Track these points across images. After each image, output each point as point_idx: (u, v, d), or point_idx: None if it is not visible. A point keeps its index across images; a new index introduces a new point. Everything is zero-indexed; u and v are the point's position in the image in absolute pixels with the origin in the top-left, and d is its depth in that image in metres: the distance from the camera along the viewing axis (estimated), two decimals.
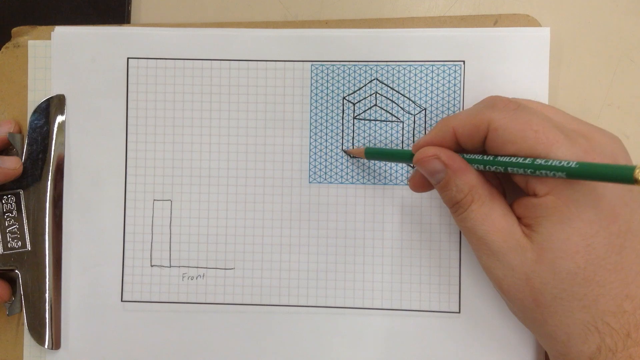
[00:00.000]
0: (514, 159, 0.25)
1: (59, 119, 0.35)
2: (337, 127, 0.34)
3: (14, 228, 0.34)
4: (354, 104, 0.34)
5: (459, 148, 0.28)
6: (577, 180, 0.24)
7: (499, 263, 0.26)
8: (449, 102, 0.33)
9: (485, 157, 0.27)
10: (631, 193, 0.25)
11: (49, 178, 0.35)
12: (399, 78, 0.34)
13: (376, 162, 0.34)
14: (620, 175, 0.21)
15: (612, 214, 0.25)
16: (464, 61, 0.33)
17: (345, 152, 0.34)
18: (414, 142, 0.34)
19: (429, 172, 0.28)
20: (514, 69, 0.33)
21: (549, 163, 0.24)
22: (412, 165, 0.33)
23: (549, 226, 0.25)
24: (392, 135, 0.34)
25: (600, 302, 0.24)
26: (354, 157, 0.34)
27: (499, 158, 0.26)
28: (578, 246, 0.24)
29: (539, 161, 0.24)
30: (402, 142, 0.34)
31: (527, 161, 0.25)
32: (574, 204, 0.25)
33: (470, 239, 0.28)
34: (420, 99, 0.34)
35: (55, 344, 0.34)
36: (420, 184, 0.30)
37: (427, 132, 0.34)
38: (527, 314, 0.26)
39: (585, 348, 0.25)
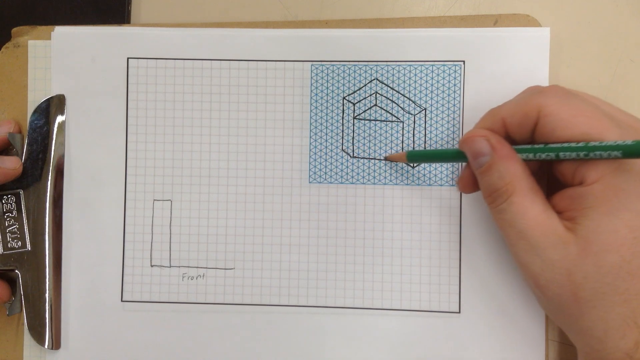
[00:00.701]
0: (565, 144, 0.25)
1: (59, 119, 0.35)
2: (337, 127, 0.34)
3: (14, 228, 0.34)
4: (354, 104, 0.34)
5: (508, 139, 0.28)
6: (632, 161, 0.24)
7: (537, 258, 0.25)
8: (449, 102, 0.33)
9: (535, 146, 0.26)
10: None
11: (49, 178, 0.35)
12: (399, 78, 0.34)
13: (376, 162, 0.34)
14: None
15: None
16: (464, 61, 0.33)
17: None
18: (413, 142, 0.34)
19: (473, 153, 0.27)
20: (514, 68, 0.33)
21: (604, 144, 0.24)
22: (461, 162, 0.32)
23: (595, 218, 0.24)
24: (392, 135, 0.34)
25: None
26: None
27: (550, 145, 0.26)
28: (625, 238, 0.24)
29: (593, 143, 0.24)
30: (402, 142, 0.34)
31: (580, 144, 0.24)
32: (622, 193, 0.24)
33: (507, 232, 0.27)
34: (420, 99, 0.34)
35: (55, 344, 0.34)
36: (471, 182, 0.29)
37: (427, 132, 0.34)
38: (563, 309, 0.26)
39: (622, 344, 0.24)
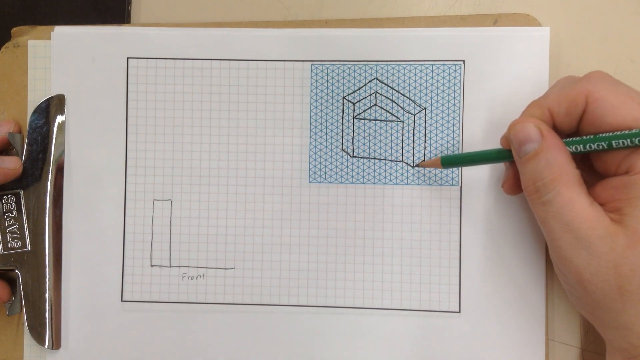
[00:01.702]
0: (619, 133, 0.24)
1: (59, 119, 0.35)
2: (337, 127, 0.34)
3: (14, 228, 0.34)
4: (354, 104, 0.34)
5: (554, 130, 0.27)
6: None
7: (584, 252, 0.25)
8: (449, 101, 0.33)
9: (585, 137, 0.26)
10: None
11: (49, 178, 0.35)
12: (399, 78, 0.34)
13: (376, 161, 0.34)
14: None
15: None
16: (464, 61, 0.33)
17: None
18: (413, 141, 0.34)
19: (521, 140, 0.26)
20: (514, 68, 0.33)
21: None
22: (501, 162, 0.31)
23: None
24: (392, 134, 0.34)
25: None
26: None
27: (601, 135, 0.25)
28: None
29: None
30: (402, 141, 0.34)
31: (633, 131, 0.24)
32: None
33: (551, 225, 0.26)
34: (420, 98, 0.34)
35: (55, 344, 0.34)
36: (517, 182, 0.28)
37: (427, 131, 0.34)
38: (604, 304, 0.25)
39: None
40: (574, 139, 0.27)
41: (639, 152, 0.25)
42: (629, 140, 0.24)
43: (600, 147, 0.25)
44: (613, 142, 0.25)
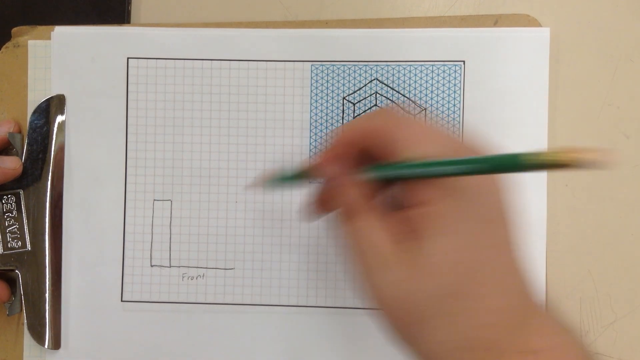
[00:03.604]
0: (408, 162, 0.24)
1: (59, 119, 0.35)
2: (337, 127, 0.34)
3: (14, 228, 0.34)
4: (354, 104, 0.34)
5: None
6: (465, 179, 0.23)
7: (369, 281, 0.25)
8: (449, 102, 0.33)
9: (378, 164, 0.25)
10: (504, 202, 0.24)
11: (49, 178, 0.35)
12: (399, 78, 0.34)
13: None
14: (510, 161, 0.21)
15: (486, 225, 0.24)
16: (464, 61, 0.33)
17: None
18: None
19: (321, 181, 0.27)
20: (514, 69, 0.33)
21: (442, 160, 0.23)
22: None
23: (427, 239, 0.23)
24: None
25: (468, 316, 0.23)
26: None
27: (392, 163, 0.25)
28: (452, 262, 0.23)
29: (431, 159, 0.23)
30: None
31: (418, 161, 0.23)
32: (454, 214, 0.23)
33: (348, 255, 0.26)
34: (420, 99, 0.34)
35: (55, 344, 0.34)
36: (321, 206, 0.29)
37: None
38: (404, 337, 0.25)
39: None
40: (368, 166, 0.26)
41: (424, 185, 0.24)
42: (412, 170, 0.24)
43: (391, 174, 0.25)
44: (401, 171, 0.24)
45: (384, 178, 0.25)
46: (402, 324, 0.25)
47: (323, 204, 0.29)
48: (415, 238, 0.24)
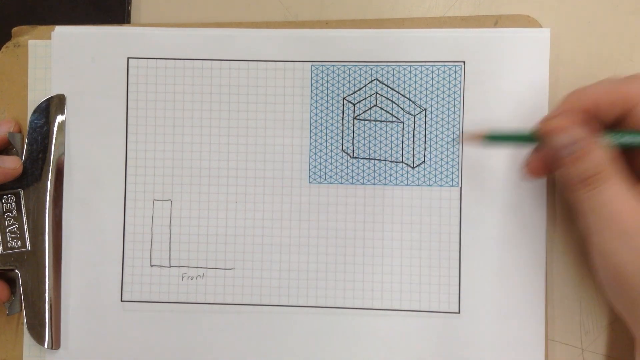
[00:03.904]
0: None
1: (59, 118, 0.35)
2: (337, 128, 0.34)
3: (14, 228, 0.34)
4: (354, 104, 0.34)
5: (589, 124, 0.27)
6: None
7: (626, 245, 0.25)
8: (449, 102, 0.33)
9: (625, 130, 0.26)
10: None
11: (49, 178, 0.35)
12: (399, 78, 0.34)
13: (376, 162, 0.34)
14: None
15: None
16: (464, 61, 0.33)
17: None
18: (414, 142, 0.34)
19: (561, 144, 0.27)
20: (514, 69, 0.33)
21: None
22: (536, 145, 0.30)
23: None
24: (392, 135, 0.34)
25: None
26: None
27: None
28: None
29: None
30: (403, 142, 0.34)
31: None
32: None
33: (596, 218, 0.26)
34: (421, 99, 0.34)
35: (55, 344, 0.34)
36: (539, 167, 0.29)
37: (427, 132, 0.34)
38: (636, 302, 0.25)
39: None
40: (616, 132, 0.27)
41: None
42: None
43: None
44: None
45: (630, 145, 0.26)
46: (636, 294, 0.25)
47: (544, 167, 0.29)
48: None
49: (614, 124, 0.27)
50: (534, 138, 0.29)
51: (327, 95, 0.34)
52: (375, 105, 0.34)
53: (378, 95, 0.34)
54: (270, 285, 0.34)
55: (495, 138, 0.30)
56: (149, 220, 0.35)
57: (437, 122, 0.34)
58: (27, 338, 0.35)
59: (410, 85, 0.34)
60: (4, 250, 0.34)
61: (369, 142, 0.34)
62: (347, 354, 0.34)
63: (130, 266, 0.35)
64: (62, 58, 0.35)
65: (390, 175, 0.34)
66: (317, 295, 0.34)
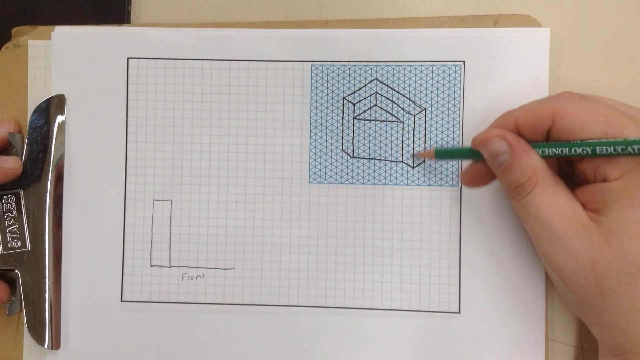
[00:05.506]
0: (590, 141, 0.25)
1: (59, 119, 0.35)
2: (337, 127, 0.34)
3: (14, 228, 0.34)
4: (354, 104, 0.34)
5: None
6: None
7: (561, 249, 0.26)
8: (449, 102, 0.33)
9: (551, 142, 0.27)
10: None
11: (49, 178, 0.35)
12: (399, 78, 0.34)
13: (375, 162, 0.34)
14: None
15: None
16: (464, 61, 0.33)
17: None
18: (413, 142, 0.34)
19: (492, 154, 0.28)
20: (514, 69, 0.33)
21: (627, 140, 0.24)
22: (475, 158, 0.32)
23: (618, 209, 0.25)
24: (392, 135, 0.34)
25: None
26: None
27: (574, 142, 0.26)
28: (634, 231, 0.24)
29: (615, 139, 0.25)
30: (402, 142, 0.34)
31: (618, 140, 0.25)
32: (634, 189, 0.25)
33: (531, 224, 0.27)
34: (420, 99, 0.34)
35: (55, 344, 0.34)
36: (475, 177, 0.30)
37: (427, 132, 0.34)
38: (587, 302, 0.26)
39: None
40: (542, 143, 0.28)
41: (611, 162, 0.26)
42: (612, 147, 0.25)
43: (564, 153, 0.26)
44: (597, 148, 0.25)
45: (559, 156, 0.27)
46: (592, 290, 0.25)
47: (480, 177, 0.30)
48: (608, 207, 0.25)
49: (545, 140, 0.28)
50: (473, 152, 0.30)
51: (327, 95, 0.34)
52: (375, 105, 0.34)
53: (378, 95, 0.34)
54: (270, 285, 0.34)
55: (443, 153, 0.32)
56: (149, 220, 0.35)
57: (437, 122, 0.34)
58: (27, 338, 0.35)
59: (410, 85, 0.34)
60: (4, 251, 0.34)
61: (369, 141, 0.34)
62: (347, 353, 0.34)
63: (130, 266, 0.35)
64: (62, 58, 0.35)
65: (390, 175, 0.34)
66: (317, 295, 0.34)
